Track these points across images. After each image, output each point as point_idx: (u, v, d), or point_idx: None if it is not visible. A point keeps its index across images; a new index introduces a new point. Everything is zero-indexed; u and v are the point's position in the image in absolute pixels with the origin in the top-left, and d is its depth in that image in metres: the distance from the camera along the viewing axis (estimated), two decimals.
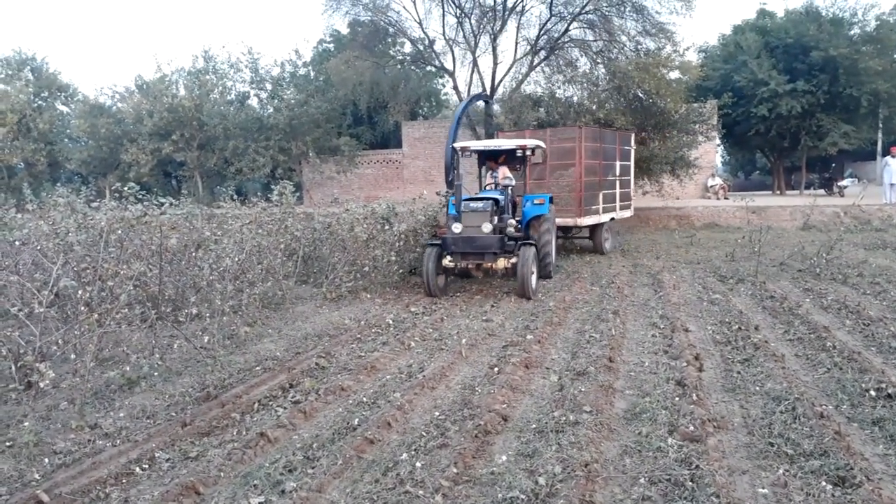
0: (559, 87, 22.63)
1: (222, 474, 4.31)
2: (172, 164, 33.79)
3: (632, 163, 17.92)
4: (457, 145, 11.10)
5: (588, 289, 11.20)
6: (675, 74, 21.68)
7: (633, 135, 18.13)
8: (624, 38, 22.05)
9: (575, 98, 22.53)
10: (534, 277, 10.31)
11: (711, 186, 30.42)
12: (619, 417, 5.16)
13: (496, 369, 6.52)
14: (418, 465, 4.33)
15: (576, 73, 22.42)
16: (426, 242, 11.11)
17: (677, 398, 5.51)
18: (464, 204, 10.51)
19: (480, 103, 19.32)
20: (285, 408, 5.55)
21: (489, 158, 12.55)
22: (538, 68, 23.50)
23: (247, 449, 4.65)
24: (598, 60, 22.58)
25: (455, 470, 4.23)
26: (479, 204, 10.53)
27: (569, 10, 22.06)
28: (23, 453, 4.64)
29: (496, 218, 10.52)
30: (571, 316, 9.09)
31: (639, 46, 22.07)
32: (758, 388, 5.69)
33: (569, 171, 14.99)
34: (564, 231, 15.77)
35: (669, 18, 21.57)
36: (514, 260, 10.22)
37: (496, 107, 23.65)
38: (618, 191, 16.87)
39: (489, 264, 10.27)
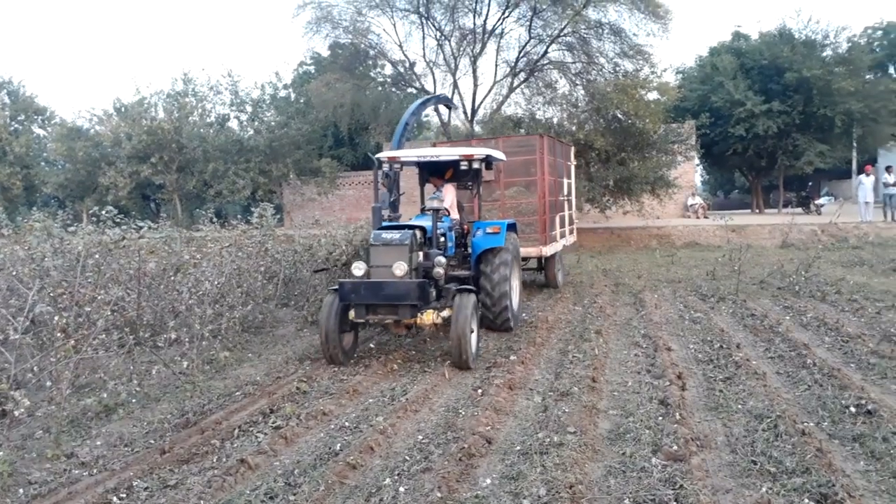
0: (539, 109, 22.92)
1: (202, 502, 4.22)
2: (151, 187, 33.59)
3: (573, 180, 15.94)
4: (381, 155, 9.13)
5: (570, 308, 11.23)
6: (653, 95, 22.07)
7: (572, 149, 16.32)
8: (602, 60, 22.42)
9: (555, 119, 22.80)
10: (473, 337, 7.41)
11: (691, 205, 30.80)
12: (604, 438, 5.15)
13: (480, 391, 6.48)
14: (402, 489, 4.28)
15: (555, 94, 22.74)
16: (330, 288, 8.07)
17: (661, 417, 5.51)
18: (373, 235, 7.66)
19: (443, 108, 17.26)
20: (266, 433, 5.47)
21: (432, 174, 9.89)
22: (518, 90, 23.77)
23: (227, 476, 4.56)
24: (577, 82, 22.92)
25: (439, 494, 4.18)
26: (394, 235, 7.50)
27: (547, 32, 22.39)
28: None
29: (419, 255, 7.66)
30: (554, 336, 9.09)
31: (617, 68, 22.43)
32: (740, 407, 5.70)
33: (527, 189, 12.70)
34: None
35: (647, 41, 21.97)
36: (446, 313, 7.50)
37: (477, 128, 23.84)
38: (566, 213, 14.74)
39: (411, 320, 7.35)
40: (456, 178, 9.71)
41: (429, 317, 7.34)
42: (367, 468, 4.69)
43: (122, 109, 32.98)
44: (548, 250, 12.25)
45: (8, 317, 6.11)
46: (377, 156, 9.14)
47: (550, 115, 23.25)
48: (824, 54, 29.19)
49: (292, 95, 34.06)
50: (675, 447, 4.78)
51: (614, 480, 4.36)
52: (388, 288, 7.19)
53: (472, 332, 7.36)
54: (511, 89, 23.67)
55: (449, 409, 5.98)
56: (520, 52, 23.41)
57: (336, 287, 7.57)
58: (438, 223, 8.33)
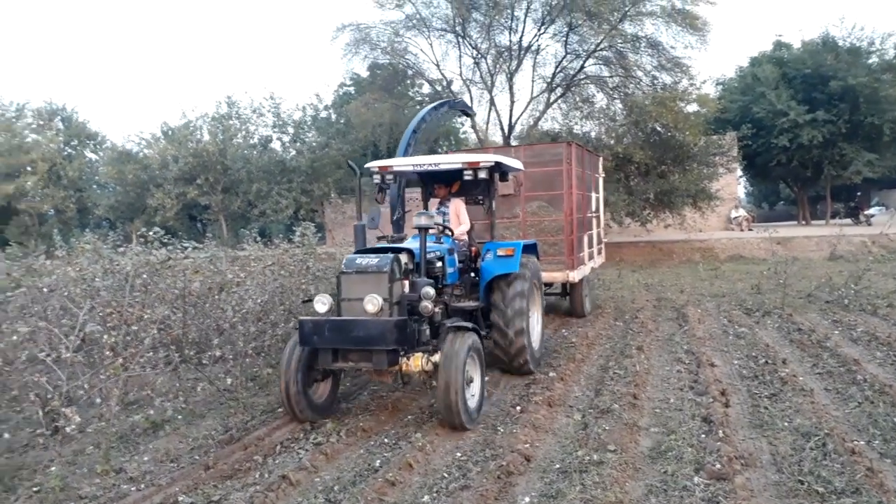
0: (577, 123, 22.85)
1: None
2: (197, 208, 34.43)
3: (601, 195, 14.35)
4: (372, 164, 7.80)
5: (611, 324, 11.11)
6: (692, 107, 21.81)
7: (601, 159, 14.86)
8: (640, 74, 22.28)
9: (593, 133, 22.71)
10: (473, 388, 6.04)
11: (735, 218, 30.25)
12: (644, 456, 5.08)
13: (518, 408, 6.46)
14: None
15: (593, 108, 22.65)
16: (294, 328, 6.95)
17: (703, 435, 5.41)
18: (345, 261, 6.18)
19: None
20: (307, 450, 5.54)
21: (437, 186, 8.32)
22: (555, 105, 23.77)
23: (269, 492, 4.64)
24: (615, 96, 22.80)
25: None
26: (370, 261, 5.99)
27: (584, 47, 22.38)
28: (49, 498, 4.67)
29: (403, 285, 6.11)
30: (595, 352, 9.01)
31: (655, 81, 22.28)
32: (786, 424, 5.57)
33: (551, 205, 11.33)
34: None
35: (685, 53, 21.78)
36: (438, 357, 5.89)
37: (514, 143, 23.86)
38: (595, 231, 13.07)
39: (389, 368, 5.84)
40: (465, 192, 8.33)
41: (416, 362, 5.83)
42: (406, 485, 4.72)
43: (169, 133, 33.99)
44: (575, 275, 10.72)
45: (60, 336, 6.33)
46: (368, 165, 7.87)
47: (588, 129, 23.18)
48: (870, 61, 28.49)
49: (333, 116, 34.65)
50: (719, 466, 4.69)
51: (655, 500, 4.30)
52: (357, 328, 5.67)
53: (471, 382, 5.97)
54: (548, 105, 23.69)
55: (487, 427, 5.96)
56: (556, 68, 23.46)
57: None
58: (435, 245, 7.05)
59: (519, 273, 7.54)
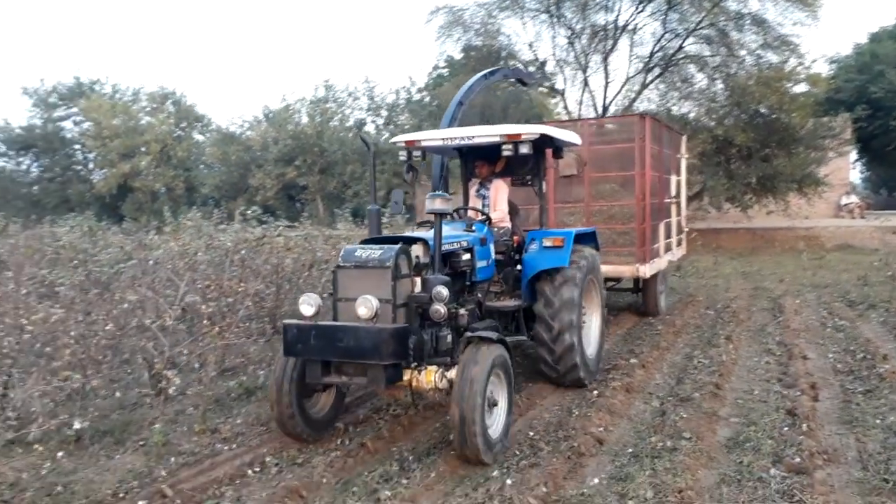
0: (674, 104, 22.08)
1: (324, 480, 4.57)
2: (295, 188, 35.78)
3: (683, 178, 12.53)
4: (398, 139, 6.84)
5: (702, 313, 10.81)
6: (801, 88, 20.59)
7: (684, 138, 12.76)
8: (743, 53, 21.17)
9: (691, 115, 21.90)
10: (497, 414, 4.91)
11: (846, 205, 28.44)
12: (721, 446, 4.99)
13: (595, 392, 6.45)
14: (508, 482, 4.39)
15: (692, 89, 21.79)
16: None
17: (786, 428, 5.25)
18: (343, 252, 5.19)
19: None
20: (386, 420, 5.77)
21: (477, 164, 7.10)
22: (652, 85, 23.03)
23: (348, 458, 4.90)
24: (716, 76, 21.81)
25: (544, 489, 4.26)
26: (372, 253, 4.98)
27: (683, 25, 21.47)
28: (152, 452, 5.12)
29: (413, 283, 5.10)
30: (682, 340, 8.82)
31: (760, 60, 21.11)
32: (878, 422, 5.31)
33: (623, 188, 9.92)
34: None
35: (793, 30, 20.46)
36: (454, 373, 4.77)
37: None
38: (674, 219, 11.49)
39: (390, 386, 4.88)
40: (510, 172, 7.12)
41: (429, 378, 4.87)
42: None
43: (270, 116, 35.43)
44: (647, 269, 9.31)
45: (165, 305, 6.85)
46: (393, 140, 7.05)
47: (686, 110, 22.34)
48: None
49: (427, 98, 35.02)
50: (798, 459, 4.56)
51: (727, 489, 4.24)
52: (347, 336, 4.68)
53: (495, 406, 4.84)
54: (644, 85, 22.97)
55: (562, 409, 6.00)
56: (654, 47, 22.67)
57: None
58: (461, 234, 6.00)
59: (569, 272, 6.35)
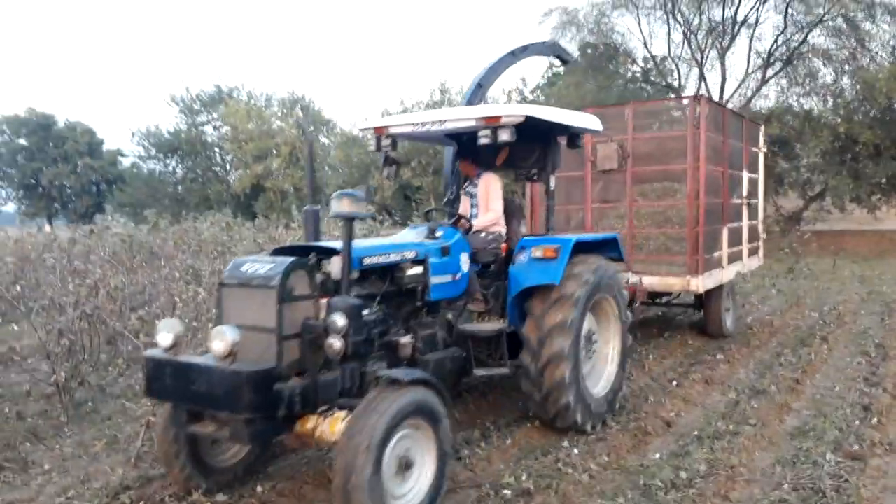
0: (795, 100, 21.31)
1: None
2: (410, 189, 37.18)
3: (761, 176, 10.66)
4: (365, 125, 5.91)
5: (805, 314, 10.70)
6: None
7: (762, 129, 10.97)
8: (874, 45, 20.11)
9: (814, 111, 21.03)
10: (416, 481, 3.77)
11: None
12: (785, 433, 5.27)
13: (675, 383, 6.79)
14: (575, 451, 4.93)
15: (815, 84, 20.93)
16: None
17: (857, 421, 5.43)
18: (230, 267, 4.12)
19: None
20: (474, 396, 6.41)
21: (466, 157, 6.00)
22: (772, 81, 22.32)
23: None
24: (844, 69, 20.84)
25: (606, 458, 4.78)
26: (258, 268, 3.95)
27: (807, 18, 20.67)
28: None
29: (308, 308, 3.99)
30: (775, 340, 8.88)
31: (895, 52, 19.99)
32: None
33: (673, 187, 8.55)
34: (652, 297, 8.72)
35: None
36: (341, 425, 3.67)
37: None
38: (745, 223, 9.69)
39: (304, 430, 3.88)
40: (513, 164, 6.06)
41: (333, 426, 3.72)
42: (549, 433, 5.32)
43: None
44: (701, 282, 7.79)
45: None
46: (362, 126, 6.14)
47: (809, 106, 21.46)
48: None
49: (541, 98, 35.33)
50: (857, 447, 4.79)
51: (780, 469, 4.56)
52: (200, 378, 3.66)
53: (409, 468, 3.72)
54: (764, 80, 22.30)
55: (639, 396, 6.40)
56: (775, 41, 21.96)
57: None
58: (419, 242, 5.02)
59: (562, 291, 5.09)
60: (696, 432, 5.32)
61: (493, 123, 4.87)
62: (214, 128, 43.18)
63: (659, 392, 6.51)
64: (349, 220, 4.02)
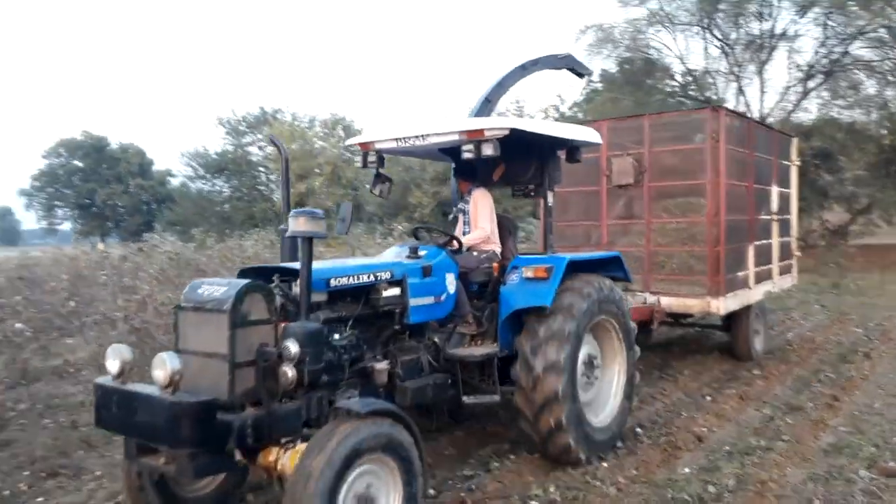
0: (838, 113, 20.94)
1: (446, 453, 5.39)
2: (449, 206, 37.47)
3: (794, 190, 10.19)
4: (351, 141, 6.06)
5: (849, 330, 10.51)
6: None
7: (794, 141, 10.50)
8: None
9: (857, 123, 20.64)
10: None
11: None
12: (819, 450, 5.23)
13: (709, 398, 6.78)
14: (605, 464, 4.99)
15: (858, 96, 20.54)
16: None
17: (894, 438, 5.36)
18: (187, 289, 3.85)
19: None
20: (505, 410, 6.49)
21: (460, 170, 5.85)
22: (813, 93, 21.97)
23: (468, 437, 5.71)
24: (888, 80, 20.42)
25: (635, 472, 4.82)
26: (214, 291, 3.66)
27: (848, 30, 20.34)
28: None
29: (263, 333, 3.66)
30: (816, 356, 8.76)
31: None
32: None
33: (699, 202, 7.83)
34: (675, 317, 8.42)
35: None
36: (284, 460, 3.54)
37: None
38: (775, 241, 9.28)
39: (266, 462, 3.65)
40: (510, 179, 5.79)
41: (294, 459, 3.43)
42: None
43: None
44: (723, 304, 7.38)
45: None
46: (349, 142, 6.24)
47: (853, 118, 21.05)
48: None
49: (579, 115, 35.35)
50: (893, 464, 4.74)
51: (812, 485, 4.53)
52: (142, 409, 3.43)
53: None
54: (804, 94, 21.96)
55: (671, 411, 6.41)
56: (815, 54, 21.64)
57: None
58: (398, 261, 4.86)
59: (558, 315, 4.81)
60: (727, 447, 5.33)
61: (477, 137, 4.63)
62: (259, 148, 44.28)
63: (692, 407, 6.51)
64: (308, 239, 3.75)
